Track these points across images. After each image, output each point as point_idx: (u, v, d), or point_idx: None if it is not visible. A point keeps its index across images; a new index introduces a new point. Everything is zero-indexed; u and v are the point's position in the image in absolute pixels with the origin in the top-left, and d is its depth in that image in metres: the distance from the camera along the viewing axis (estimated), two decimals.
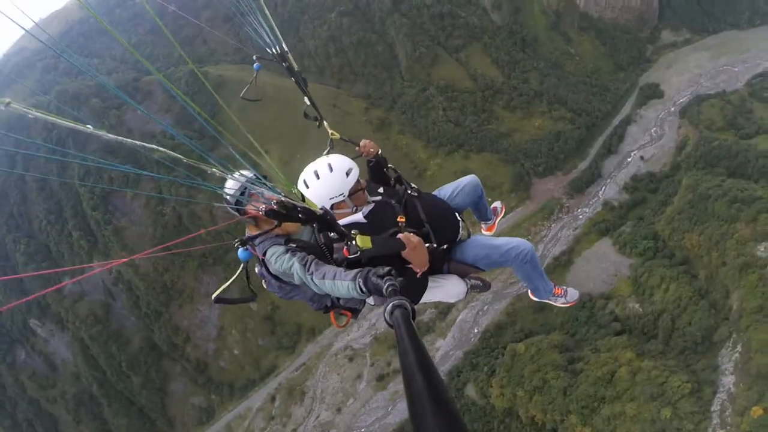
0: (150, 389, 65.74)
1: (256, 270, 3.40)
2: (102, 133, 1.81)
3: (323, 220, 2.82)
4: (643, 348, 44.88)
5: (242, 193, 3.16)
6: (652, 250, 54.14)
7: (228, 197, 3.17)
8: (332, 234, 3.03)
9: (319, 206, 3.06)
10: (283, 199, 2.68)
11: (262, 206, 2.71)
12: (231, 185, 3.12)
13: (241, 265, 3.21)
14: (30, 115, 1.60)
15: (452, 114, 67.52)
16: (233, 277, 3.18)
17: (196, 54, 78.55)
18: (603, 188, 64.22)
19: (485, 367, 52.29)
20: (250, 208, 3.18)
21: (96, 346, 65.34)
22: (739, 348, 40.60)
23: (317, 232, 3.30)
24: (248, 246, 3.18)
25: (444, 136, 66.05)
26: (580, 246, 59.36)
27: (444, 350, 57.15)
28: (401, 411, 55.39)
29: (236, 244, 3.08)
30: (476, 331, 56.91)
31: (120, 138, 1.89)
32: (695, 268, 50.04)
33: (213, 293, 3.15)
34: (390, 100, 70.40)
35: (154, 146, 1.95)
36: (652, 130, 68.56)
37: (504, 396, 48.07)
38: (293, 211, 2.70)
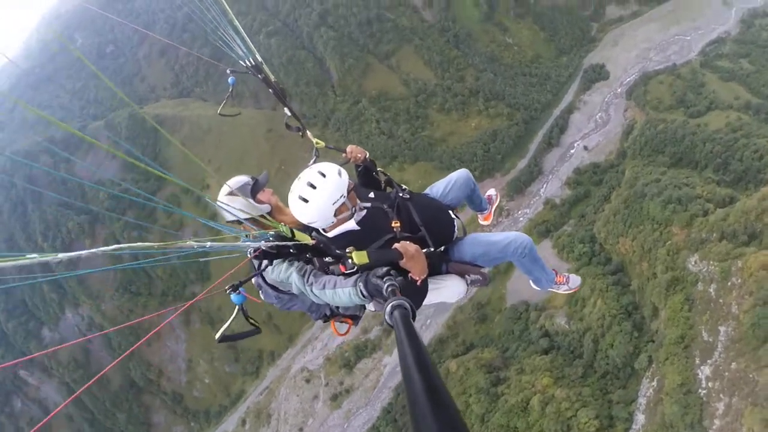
0: (135, 424, 70.44)
1: (253, 281, 3.34)
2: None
3: (316, 249, 2.84)
4: (563, 371, 43.63)
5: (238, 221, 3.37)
6: (588, 255, 51.88)
7: (226, 213, 3.29)
8: (327, 258, 3.02)
9: (324, 217, 3.21)
10: (270, 243, 2.77)
11: (252, 249, 2.81)
12: (227, 200, 3.32)
13: (236, 308, 3.10)
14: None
15: (385, 125, 66.28)
16: (230, 319, 3.09)
17: (136, 93, 79.21)
18: (544, 185, 62.28)
19: None
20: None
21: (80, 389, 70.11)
22: (655, 383, 38.42)
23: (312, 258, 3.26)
24: (240, 290, 3.07)
25: (377, 149, 65.07)
26: None
27: (391, 367, 58.40)
28: (356, 428, 57.66)
29: (228, 291, 2.99)
30: None
31: None
32: (629, 276, 47.29)
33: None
34: (324, 117, 69.55)
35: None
36: (597, 116, 65.30)
37: None
38: (284, 248, 2.77)
